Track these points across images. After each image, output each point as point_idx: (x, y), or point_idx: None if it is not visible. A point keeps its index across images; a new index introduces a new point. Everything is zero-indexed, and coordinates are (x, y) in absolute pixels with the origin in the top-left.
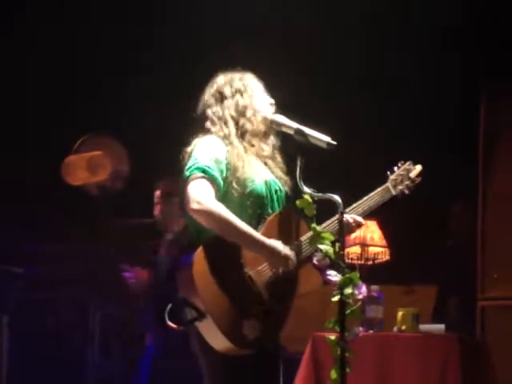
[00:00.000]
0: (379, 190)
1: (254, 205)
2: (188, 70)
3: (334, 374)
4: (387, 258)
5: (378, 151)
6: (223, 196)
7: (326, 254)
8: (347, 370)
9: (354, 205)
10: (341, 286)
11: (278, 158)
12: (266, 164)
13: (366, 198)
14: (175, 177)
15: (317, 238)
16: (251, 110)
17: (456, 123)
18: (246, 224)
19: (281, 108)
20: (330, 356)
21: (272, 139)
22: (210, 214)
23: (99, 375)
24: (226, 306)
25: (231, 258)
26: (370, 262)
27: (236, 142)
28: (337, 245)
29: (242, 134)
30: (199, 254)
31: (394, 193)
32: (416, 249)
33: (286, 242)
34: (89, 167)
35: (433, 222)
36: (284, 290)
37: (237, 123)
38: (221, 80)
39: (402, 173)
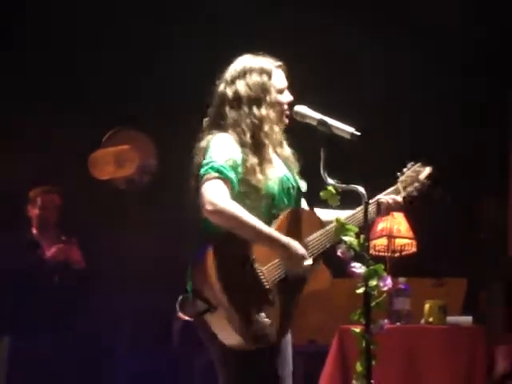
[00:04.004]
0: (390, 190)
1: (268, 205)
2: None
3: (359, 367)
4: (414, 249)
5: (404, 144)
6: (237, 197)
7: (350, 246)
8: (373, 362)
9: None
10: (365, 278)
11: (288, 150)
12: (279, 156)
13: (376, 198)
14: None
15: (341, 229)
16: (268, 124)
17: (486, 118)
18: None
19: (303, 99)
20: (356, 348)
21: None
22: (224, 215)
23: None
24: (237, 302)
25: (243, 253)
26: (397, 254)
27: (250, 148)
28: (361, 236)
29: (257, 143)
30: (212, 249)
31: (403, 194)
32: (445, 241)
33: (297, 239)
34: (116, 161)
35: (462, 214)
36: (293, 287)
37: (253, 135)
38: (240, 76)
39: (411, 174)
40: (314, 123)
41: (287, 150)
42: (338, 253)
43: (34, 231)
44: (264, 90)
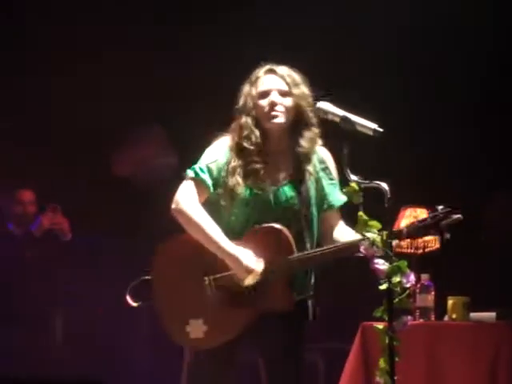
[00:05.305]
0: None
1: (243, 213)
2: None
3: (382, 363)
4: (437, 246)
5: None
6: (214, 198)
7: (373, 243)
8: (396, 359)
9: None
10: (388, 275)
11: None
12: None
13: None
14: None
15: (363, 225)
16: (247, 130)
17: (493, 119)
18: (232, 230)
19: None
20: (379, 345)
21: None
22: (182, 215)
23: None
24: (175, 300)
25: (198, 257)
26: (420, 251)
27: (236, 153)
28: (384, 233)
29: (241, 149)
30: (164, 246)
31: (404, 233)
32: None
33: (261, 256)
34: (137, 159)
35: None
36: (244, 301)
37: (238, 141)
38: (241, 91)
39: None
40: (337, 120)
41: (317, 168)
42: (361, 249)
43: (14, 228)
44: (244, 98)
